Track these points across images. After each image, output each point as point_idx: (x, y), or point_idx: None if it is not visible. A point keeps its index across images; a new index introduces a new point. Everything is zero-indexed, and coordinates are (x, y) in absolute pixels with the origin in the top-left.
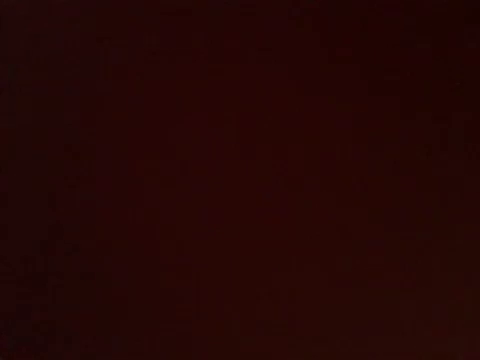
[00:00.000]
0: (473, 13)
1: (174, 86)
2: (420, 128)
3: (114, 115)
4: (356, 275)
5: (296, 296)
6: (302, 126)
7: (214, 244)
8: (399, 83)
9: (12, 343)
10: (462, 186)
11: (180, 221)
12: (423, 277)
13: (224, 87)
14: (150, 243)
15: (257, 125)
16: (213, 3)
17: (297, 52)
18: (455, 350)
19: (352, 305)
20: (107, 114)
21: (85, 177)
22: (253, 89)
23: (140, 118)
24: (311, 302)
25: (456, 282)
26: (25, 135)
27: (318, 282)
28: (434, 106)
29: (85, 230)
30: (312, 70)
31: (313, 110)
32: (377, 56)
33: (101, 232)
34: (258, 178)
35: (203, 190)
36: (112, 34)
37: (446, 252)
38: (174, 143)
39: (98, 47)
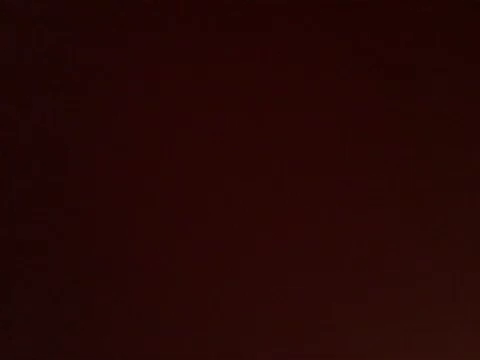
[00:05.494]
0: (473, 12)
1: (174, 88)
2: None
3: (113, 116)
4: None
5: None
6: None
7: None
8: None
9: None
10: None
11: (179, 219)
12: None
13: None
14: (149, 243)
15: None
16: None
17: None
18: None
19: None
20: (106, 114)
21: (85, 177)
22: (254, 74)
23: (140, 118)
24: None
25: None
26: (25, 134)
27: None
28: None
29: (85, 228)
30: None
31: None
32: (377, 51)
33: (101, 232)
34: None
35: (202, 185)
36: (111, 36)
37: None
38: (174, 143)
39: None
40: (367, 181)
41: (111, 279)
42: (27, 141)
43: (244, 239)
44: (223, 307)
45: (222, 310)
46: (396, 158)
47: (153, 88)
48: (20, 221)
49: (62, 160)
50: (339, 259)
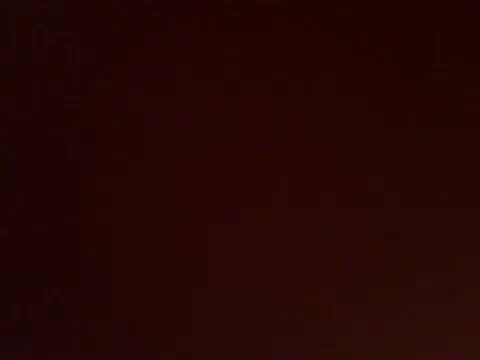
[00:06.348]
0: (473, 13)
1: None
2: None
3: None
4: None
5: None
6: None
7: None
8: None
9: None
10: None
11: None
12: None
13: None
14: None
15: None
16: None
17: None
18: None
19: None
20: (105, 114)
21: (84, 177)
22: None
23: (140, 119)
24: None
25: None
26: (25, 134)
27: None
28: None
29: (86, 230)
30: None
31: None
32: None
33: (102, 233)
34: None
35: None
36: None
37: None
38: (174, 143)
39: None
40: (367, 181)
41: (111, 278)
42: (27, 141)
43: (243, 238)
44: (223, 308)
45: (222, 311)
46: (396, 158)
47: (153, 88)
48: (20, 221)
49: (62, 160)
50: (340, 259)
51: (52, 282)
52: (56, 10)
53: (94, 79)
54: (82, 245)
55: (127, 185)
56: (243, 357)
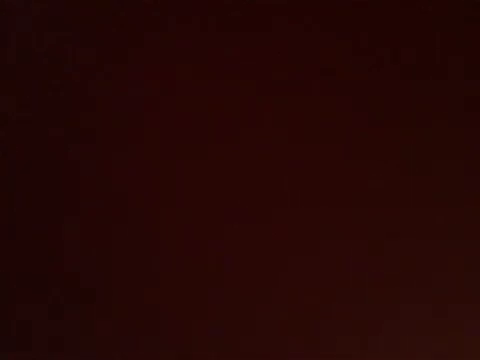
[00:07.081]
0: (473, 13)
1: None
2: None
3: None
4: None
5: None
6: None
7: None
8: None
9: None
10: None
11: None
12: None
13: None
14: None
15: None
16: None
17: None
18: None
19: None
20: (105, 113)
21: (84, 177)
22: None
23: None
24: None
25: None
26: (25, 134)
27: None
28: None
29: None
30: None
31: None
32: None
33: (103, 232)
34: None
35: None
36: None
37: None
38: (174, 143)
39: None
40: (367, 181)
41: (111, 279)
42: (27, 141)
43: (244, 238)
44: (223, 308)
45: (222, 311)
46: (396, 158)
47: (153, 88)
48: (20, 221)
49: (62, 160)
50: (340, 259)
51: (52, 282)
52: (56, 10)
53: (94, 79)
54: (82, 245)
55: (127, 185)
56: (243, 357)
